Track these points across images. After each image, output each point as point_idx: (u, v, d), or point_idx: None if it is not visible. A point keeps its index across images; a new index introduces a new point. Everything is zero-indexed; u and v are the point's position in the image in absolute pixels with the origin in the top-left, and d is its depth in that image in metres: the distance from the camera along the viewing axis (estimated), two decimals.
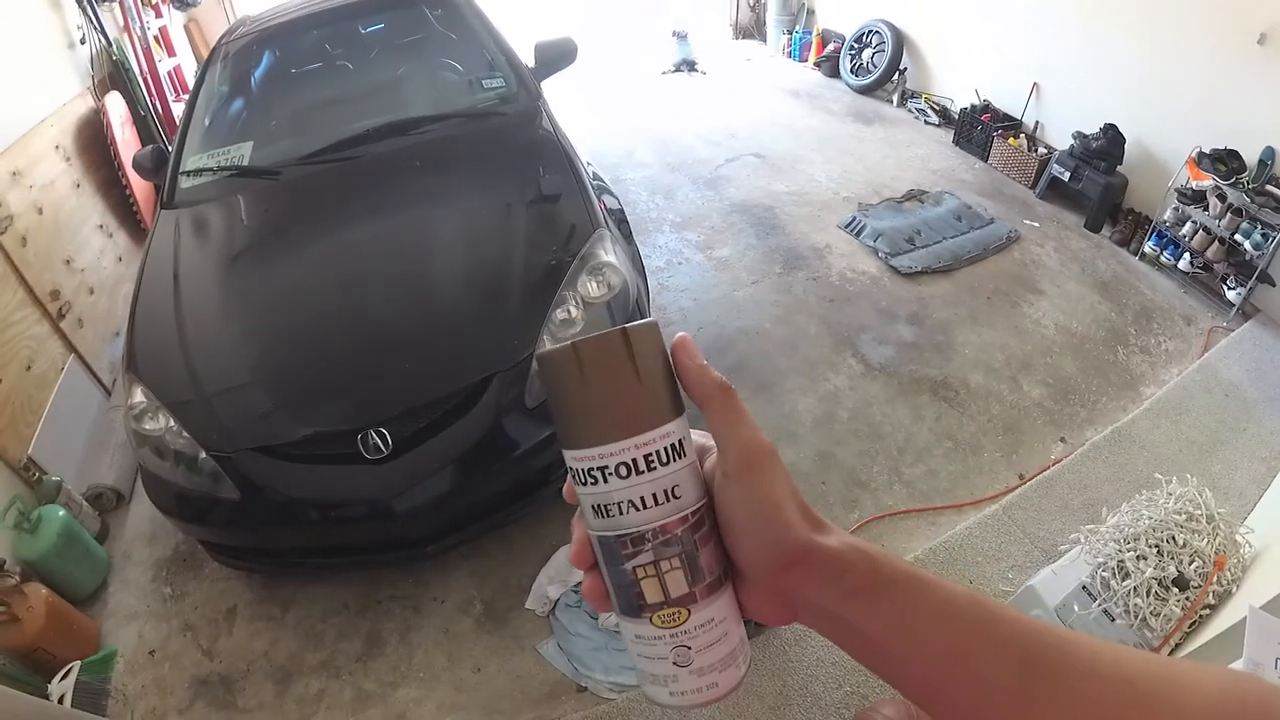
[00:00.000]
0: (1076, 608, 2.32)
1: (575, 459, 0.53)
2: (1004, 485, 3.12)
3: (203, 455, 2.51)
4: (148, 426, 2.58)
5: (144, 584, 3.16)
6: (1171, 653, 2.22)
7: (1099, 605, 2.29)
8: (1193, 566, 2.30)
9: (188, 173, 3.36)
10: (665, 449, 0.52)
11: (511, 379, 2.53)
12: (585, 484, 0.52)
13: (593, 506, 0.53)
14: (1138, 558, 2.33)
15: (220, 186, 3.29)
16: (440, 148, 3.27)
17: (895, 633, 0.48)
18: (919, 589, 0.48)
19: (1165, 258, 4.34)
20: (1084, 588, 2.37)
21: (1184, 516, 2.41)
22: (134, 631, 3.00)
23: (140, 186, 4.58)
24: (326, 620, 2.88)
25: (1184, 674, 0.46)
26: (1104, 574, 2.34)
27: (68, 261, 3.90)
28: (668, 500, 0.52)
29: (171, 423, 2.55)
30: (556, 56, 3.76)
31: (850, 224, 4.67)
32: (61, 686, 2.67)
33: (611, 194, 3.52)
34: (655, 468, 0.52)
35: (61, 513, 3.05)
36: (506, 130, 3.39)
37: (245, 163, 3.33)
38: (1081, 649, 0.46)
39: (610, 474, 0.51)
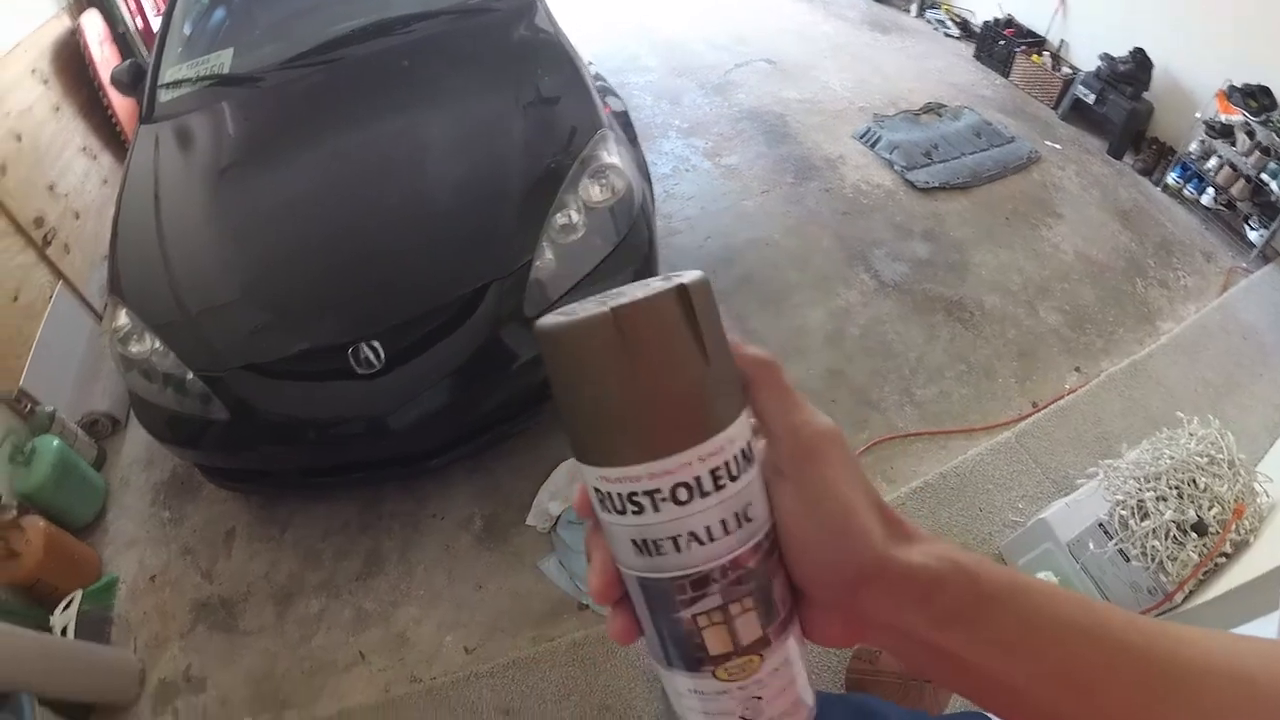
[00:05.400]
0: (1091, 545, 2.26)
1: (607, 480, 0.39)
2: (1017, 412, 3.03)
3: (190, 376, 2.41)
4: (133, 349, 2.48)
5: (143, 509, 3.13)
6: (1185, 600, 2.18)
7: (1115, 545, 2.23)
8: (1212, 512, 2.25)
9: (167, 85, 3.19)
10: (736, 456, 0.40)
11: (510, 287, 2.40)
12: (622, 511, 0.39)
13: (634, 541, 0.40)
14: (1158, 498, 2.27)
15: (200, 97, 3.12)
16: (430, 47, 3.09)
17: (1004, 659, 0.40)
18: (1024, 604, 0.41)
19: (1188, 191, 4.19)
20: (1100, 525, 2.31)
21: (1206, 459, 2.36)
22: (134, 558, 2.99)
23: (122, 105, 4.42)
24: (326, 539, 2.84)
25: None
26: (1122, 513, 2.28)
27: (51, 187, 3.80)
28: (739, 525, 0.40)
29: (157, 344, 2.45)
30: None
31: (865, 135, 4.47)
32: (64, 618, 2.67)
33: (616, 95, 3.34)
34: (724, 485, 0.39)
35: (56, 443, 3.01)
36: (500, 27, 3.17)
37: (225, 70, 3.16)
38: (1194, 646, 0.41)
39: (664, 499, 0.38)
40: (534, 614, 2.53)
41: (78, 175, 4.08)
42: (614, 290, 0.41)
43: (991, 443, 2.88)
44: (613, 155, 2.63)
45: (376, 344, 2.31)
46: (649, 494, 0.38)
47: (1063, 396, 3.07)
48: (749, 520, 0.40)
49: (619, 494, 0.39)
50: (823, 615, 0.43)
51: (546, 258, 2.43)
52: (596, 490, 0.40)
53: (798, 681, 0.43)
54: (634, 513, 0.39)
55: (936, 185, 4.09)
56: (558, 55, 3.02)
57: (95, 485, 3.20)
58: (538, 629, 2.49)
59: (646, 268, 2.63)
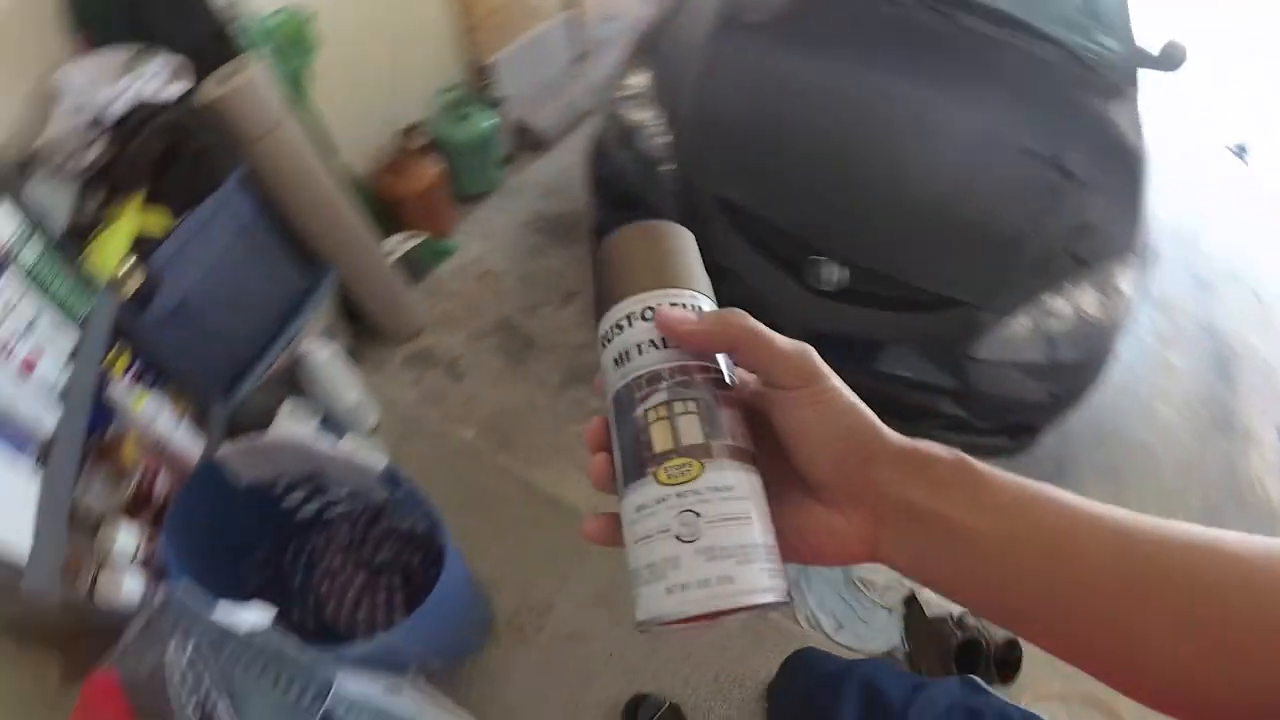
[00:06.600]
0: None
1: (609, 318, 0.53)
2: None
3: (672, 169, 2.38)
4: (631, 113, 2.48)
5: (513, 223, 3.32)
6: None
7: None
8: None
9: None
10: (692, 305, 0.52)
11: (972, 320, 2.30)
12: (612, 338, 0.52)
13: (614, 358, 0.51)
14: None
15: None
16: (1026, 62, 2.89)
17: (1005, 520, 0.43)
18: (1019, 485, 0.45)
19: None
20: None
21: None
22: (481, 248, 3.18)
23: None
24: None
25: None
26: None
27: None
28: None
29: (661, 124, 2.42)
30: (1165, 55, 3.13)
31: None
32: (398, 243, 2.93)
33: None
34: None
35: (491, 121, 3.27)
36: (1089, 90, 2.90)
37: None
38: (1175, 528, 0.43)
39: (635, 318, 0.51)
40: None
41: None
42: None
43: None
44: (1128, 287, 2.45)
45: (847, 272, 2.26)
46: (629, 316, 0.51)
47: None
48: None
49: (613, 323, 0.52)
50: (838, 506, 0.47)
51: (1020, 322, 2.32)
52: (604, 335, 0.53)
53: (745, 531, 0.43)
54: (618, 334, 0.51)
55: None
56: (1133, 155, 2.77)
57: (493, 174, 3.45)
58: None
59: (1075, 404, 2.51)
